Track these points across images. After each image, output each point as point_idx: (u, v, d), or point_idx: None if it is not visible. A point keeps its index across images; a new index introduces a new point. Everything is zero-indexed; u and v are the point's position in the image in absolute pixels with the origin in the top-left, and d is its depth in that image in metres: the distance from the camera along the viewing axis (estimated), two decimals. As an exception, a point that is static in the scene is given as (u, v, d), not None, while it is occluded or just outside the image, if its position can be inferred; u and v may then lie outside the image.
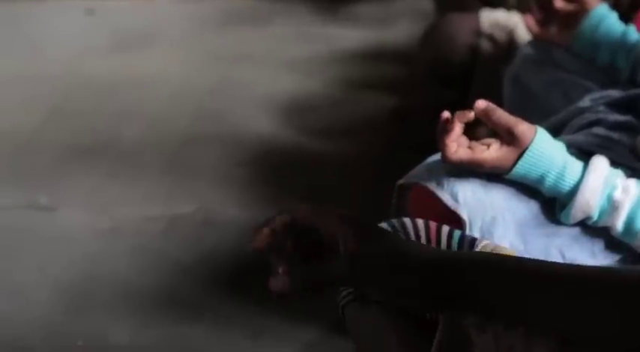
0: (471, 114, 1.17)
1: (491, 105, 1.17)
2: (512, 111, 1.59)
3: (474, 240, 0.96)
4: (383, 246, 0.84)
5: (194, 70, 2.92)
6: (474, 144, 1.18)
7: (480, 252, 0.93)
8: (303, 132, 2.53)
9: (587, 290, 0.76)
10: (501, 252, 0.93)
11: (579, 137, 1.32)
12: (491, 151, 1.17)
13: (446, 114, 1.18)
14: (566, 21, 1.67)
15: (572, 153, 1.22)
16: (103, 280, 1.93)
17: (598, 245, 1.23)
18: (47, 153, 2.44)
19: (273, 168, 2.35)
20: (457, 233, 0.96)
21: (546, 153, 1.17)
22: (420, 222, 0.97)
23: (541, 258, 1.18)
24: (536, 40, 1.76)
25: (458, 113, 1.18)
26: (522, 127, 1.17)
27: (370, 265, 0.84)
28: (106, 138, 2.52)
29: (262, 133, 2.53)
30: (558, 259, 1.20)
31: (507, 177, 1.19)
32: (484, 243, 0.96)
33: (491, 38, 2.09)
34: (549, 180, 1.18)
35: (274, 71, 2.90)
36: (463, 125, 1.18)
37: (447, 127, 1.17)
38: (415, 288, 0.83)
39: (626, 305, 0.73)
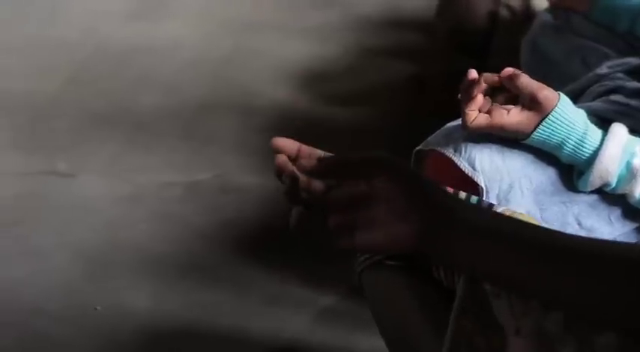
0: (496, 78, 1.17)
1: (517, 71, 1.18)
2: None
3: (491, 206, 0.97)
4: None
5: (210, 37, 2.91)
6: (494, 107, 1.18)
7: (495, 219, 0.92)
8: (320, 100, 2.53)
9: (602, 266, 0.76)
10: (519, 219, 0.93)
11: (598, 104, 1.32)
12: (511, 115, 1.17)
13: (473, 73, 1.18)
14: (585, -13, 1.66)
15: (591, 121, 1.22)
16: (122, 246, 1.95)
17: (615, 212, 1.23)
18: (65, 120, 2.45)
19: (289, 136, 2.34)
20: (474, 198, 0.97)
21: (567, 119, 1.18)
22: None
23: (557, 225, 1.18)
24: (554, 8, 1.75)
25: (486, 74, 1.18)
26: (546, 92, 1.17)
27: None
28: (123, 104, 2.52)
29: (278, 100, 2.53)
30: (575, 226, 1.20)
31: (526, 142, 1.19)
32: (501, 209, 0.96)
33: (508, 6, 2.08)
34: (568, 146, 1.18)
35: (290, 38, 2.89)
36: (483, 93, 1.18)
37: (469, 95, 1.17)
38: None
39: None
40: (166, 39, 2.88)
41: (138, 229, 2.00)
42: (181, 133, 2.39)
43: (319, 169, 0.85)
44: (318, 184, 0.84)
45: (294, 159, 0.88)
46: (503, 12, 2.08)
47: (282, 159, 0.88)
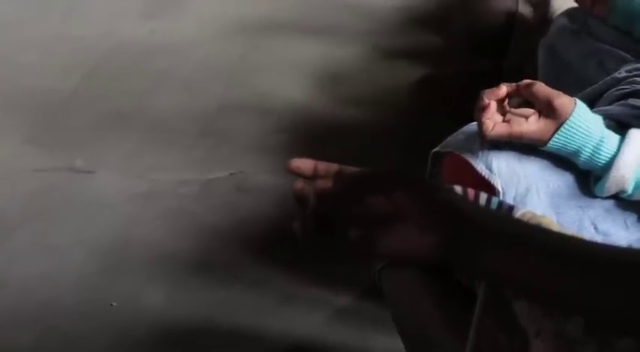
0: (502, 91, 1.17)
1: (532, 81, 1.18)
2: (546, 82, 1.59)
3: (511, 208, 0.97)
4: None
5: (226, 36, 2.93)
6: (512, 116, 1.18)
7: (517, 226, 0.92)
8: (335, 100, 2.54)
9: (621, 273, 0.76)
10: (539, 221, 0.94)
11: (615, 108, 1.32)
12: (530, 124, 1.17)
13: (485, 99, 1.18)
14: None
15: (608, 125, 1.22)
16: (138, 243, 1.96)
17: (631, 218, 1.23)
18: (83, 117, 2.46)
19: (305, 136, 2.37)
20: (495, 200, 0.97)
21: (584, 127, 1.18)
22: (458, 188, 0.98)
23: (574, 229, 1.18)
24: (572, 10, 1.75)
25: (487, 91, 1.18)
26: (562, 99, 1.17)
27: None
28: (140, 103, 2.54)
29: (294, 101, 2.54)
30: (591, 231, 1.21)
31: (544, 149, 1.20)
32: (522, 211, 0.96)
33: (526, 7, 2.07)
34: (585, 153, 1.19)
35: (305, 39, 2.90)
36: (497, 100, 1.18)
37: (482, 105, 1.17)
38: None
39: None
40: (182, 38, 2.89)
41: (154, 226, 2.01)
42: (197, 132, 2.40)
43: (338, 190, 0.85)
44: (337, 202, 0.84)
45: (311, 178, 0.88)
46: (522, 12, 2.07)
47: (299, 186, 0.87)
